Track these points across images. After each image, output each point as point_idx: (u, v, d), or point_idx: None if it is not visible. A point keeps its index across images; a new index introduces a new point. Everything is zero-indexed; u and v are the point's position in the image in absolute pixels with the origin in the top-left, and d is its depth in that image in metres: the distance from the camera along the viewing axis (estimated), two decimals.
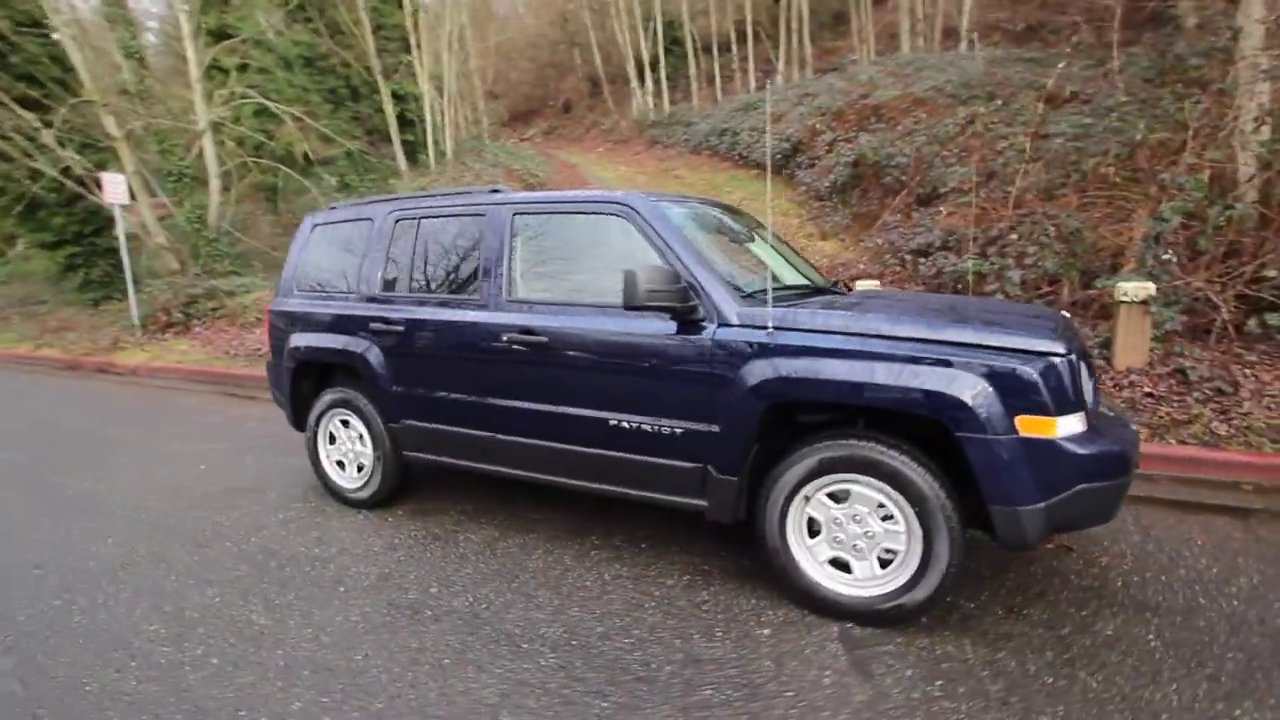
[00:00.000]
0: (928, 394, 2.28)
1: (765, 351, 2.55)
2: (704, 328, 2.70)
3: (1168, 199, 6.03)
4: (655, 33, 23.33)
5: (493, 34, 28.55)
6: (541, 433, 3.11)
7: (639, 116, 23.11)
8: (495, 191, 3.45)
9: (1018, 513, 2.24)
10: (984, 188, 8.75)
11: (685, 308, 2.68)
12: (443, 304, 3.38)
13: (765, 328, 2.57)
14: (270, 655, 2.48)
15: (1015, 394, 2.23)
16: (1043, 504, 2.24)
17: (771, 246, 3.58)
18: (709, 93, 23.32)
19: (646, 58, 23.38)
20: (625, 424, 2.86)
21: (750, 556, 3.11)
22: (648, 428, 2.81)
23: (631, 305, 2.60)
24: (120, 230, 9.93)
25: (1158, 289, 5.21)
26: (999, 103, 10.92)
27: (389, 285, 3.60)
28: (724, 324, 2.67)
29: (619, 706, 2.15)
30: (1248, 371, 4.92)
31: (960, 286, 7.32)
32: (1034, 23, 15.40)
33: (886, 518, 2.48)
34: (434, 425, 3.44)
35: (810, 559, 2.61)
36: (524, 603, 2.79)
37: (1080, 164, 7.74)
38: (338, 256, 3.87)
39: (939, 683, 2.22)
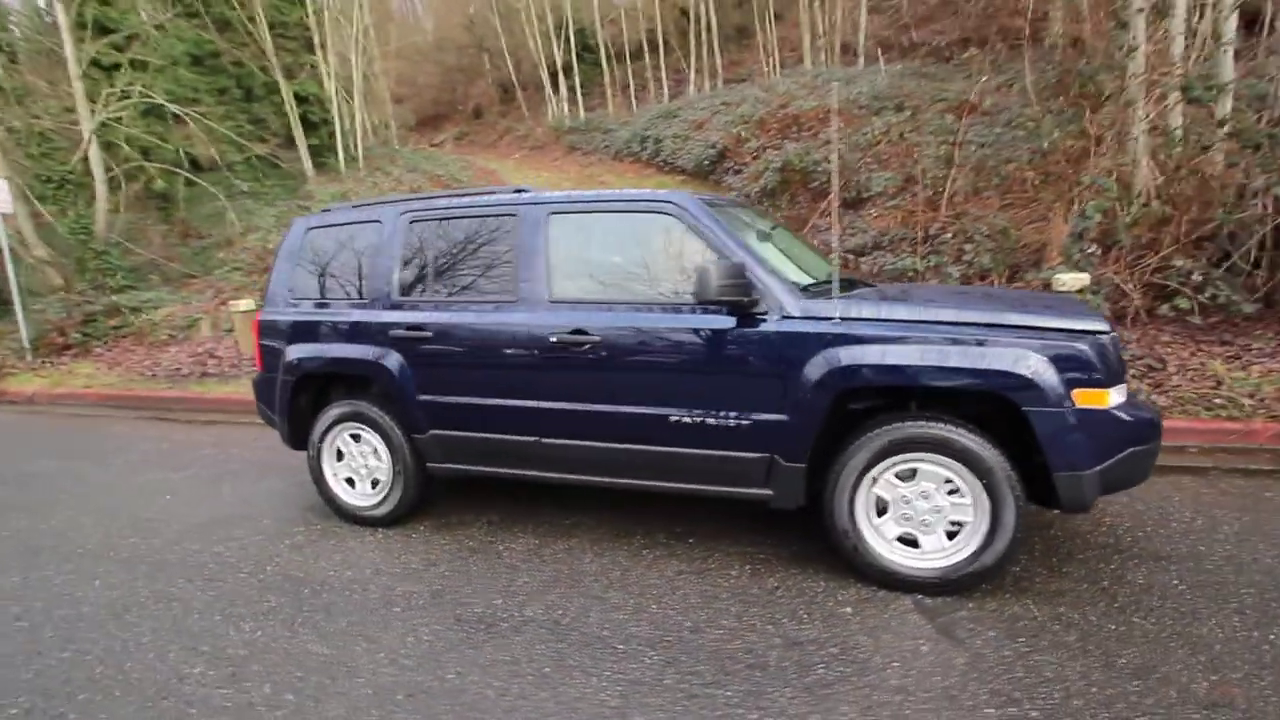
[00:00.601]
0: (998, 374, 2.47)
1: (835, 340, 2.65)
2: (763, 320, 2.78)
3: (1081, 200, 6.75)
4: (568, 39, 23.30)
5: (395, 36, 27.46)
6: (592, 433, 3.07)
7: (555, 123, 22.95)
8: (520, 191, 3.38)
9: (1080, 478, 2.47)
10: (907, 191, 9.43)
11: (749, 301, 2.75)
12: (474, 307, 3.27)
13: (831, 318, 2.68)
14: (351, 684, 2.32)
15: (1073, 369, 2.45)
16: (1099, 468, 2.48)
17: (793, 242, 3.72)
18: (624, 100, 23.52)
19: (560, 64, 23.28)
20: (687, 419, 2.89)
21: (799, 541, 3.21)
22: (712, 421, 2.85)
23: (705, 300, 2.65)
24: (3, 243, 8.76)
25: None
26: (908, 113, 11.80)
27: (408, 290, 3.43)
28: (786, 316, 2.75)
29: (743, 694, 2.17)
30: (1168, 350, 5.58)
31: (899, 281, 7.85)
32: (927, 40, 16.75)
33: (952, 492, 2.64)
34: (467, 434, 3.32)
35: (879, 537, 2.74)
36: (599, 605, 2.75)
37: (999, 169, 8.50)
38: (340, 261, 3.65)
39: (1021, 640, 2.40)
